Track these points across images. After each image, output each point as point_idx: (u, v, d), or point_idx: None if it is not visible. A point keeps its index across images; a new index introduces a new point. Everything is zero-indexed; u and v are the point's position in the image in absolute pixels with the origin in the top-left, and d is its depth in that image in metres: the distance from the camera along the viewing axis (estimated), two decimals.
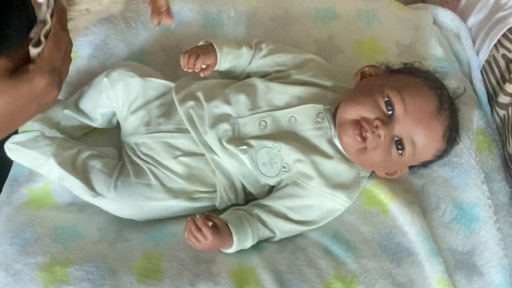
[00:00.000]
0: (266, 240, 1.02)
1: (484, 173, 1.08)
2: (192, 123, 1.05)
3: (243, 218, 0.99)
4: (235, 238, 0.97)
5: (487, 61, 1.24)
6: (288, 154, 1.01)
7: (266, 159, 1.01)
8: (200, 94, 1.07)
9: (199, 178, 1.04)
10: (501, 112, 1.16)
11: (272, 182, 1.04)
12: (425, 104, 1.00)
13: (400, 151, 1.00)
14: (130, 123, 1.08)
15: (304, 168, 1.01)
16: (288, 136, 1.03)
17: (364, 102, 1.00)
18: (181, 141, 1.04)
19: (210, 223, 0.96)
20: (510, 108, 1.13)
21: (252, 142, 1.02)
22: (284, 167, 1.02)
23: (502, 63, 1.19)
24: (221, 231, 0.96)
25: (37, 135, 1.01)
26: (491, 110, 1.20)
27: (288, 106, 1.04)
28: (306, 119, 1.03)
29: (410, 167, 1.07)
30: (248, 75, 1.14)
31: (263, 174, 1.02)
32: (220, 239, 0.96)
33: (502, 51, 1.19)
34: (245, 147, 1.01)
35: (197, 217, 0.95)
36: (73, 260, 0.96)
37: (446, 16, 1.33)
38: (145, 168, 1.04)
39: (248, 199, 1.06)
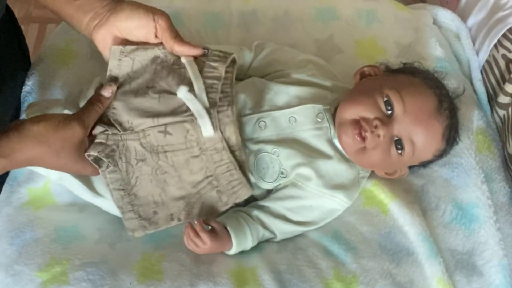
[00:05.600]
0: (266, 241, 1.02)
1: (484, 173, 1.08)
2: None
3: (242, 220, 0.99)
4: (234, 241, 0.97)
5: (487, 61, 1.24)
6: (287, 159, 1.01)
7: (265, 164, 1.01)
8: None
9: None
10: (501, 112, 1.16)
11: (270, 186, 1.03)
12: (425, 103, 1.00)
13: (399, 151, 1.00)
14: None
15: (303, 170, 1.01)
16: (287, 138, 1.03)
17: (363, 102, 1.00)
18: None
19: (209, 227, 0.96)
20: (510, 108, 1.13)
21: (252, 146, 1.02)
22: (282, 172, 1.02)
23: (502, 63, 1.19)
24: (220, 235, 0.96)
25: None
26: (491, 110, 1.20)
27: (288, 106, 1.04)
28: (305, 119, 1.03)
29: (410, 167, 1.07)
30: (249, 76, 1.14)
31: (261, 179, 1.02)
32: (219, 243, 0.96)
33: (502, 51, 1.19)
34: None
35: (195, 222, 0.95)
36: (73, 260, 0.96)
37: (446, 16, 1.33)
38: None
39: (248, 200, 1.06)
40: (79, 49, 1.20)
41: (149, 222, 0.95)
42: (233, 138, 0.95)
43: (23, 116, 1.11)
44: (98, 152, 0.93)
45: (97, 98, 0.94)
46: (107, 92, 0.95)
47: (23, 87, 1.16)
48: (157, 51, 0.98)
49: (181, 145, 0.95)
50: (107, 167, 0.94)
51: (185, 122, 0.94)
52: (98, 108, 0.93)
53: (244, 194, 0.96)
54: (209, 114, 0.93)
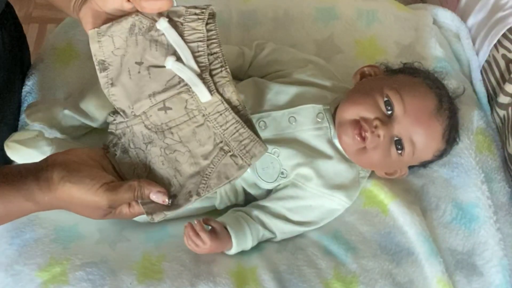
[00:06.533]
0: (266, 240, 1.02)
1: (484, 173, 1.08)
2: None
3: (242, 220, 0.99)
4: (234, 240, 0.97)
5: (487, 61, 1.24)
6: (287, 159, 1.01)
7: (265, 164, 1.01)
8: None
9: None
10: (501, 112, 1.16)
11: (270, 186, 1.03)
12: (425, 104, 1.00)
13: (399, 151, 1.00)
14: None
15: (303, 170, 1.01)
16: (287, 138, 1.03)
17: (363, 102, 1.00)
18: None
19: (209, 227, 0.96)
20: (510, 108, 1.13)
21: None
22: (282, 172, 1.02)
23: (502, 63, 1.19)
24: (220, 234, 0.96)
25: (37, 134, 1.01)
26: (491, 110, 1.20)
27: (288, 106, 1.04)
28: (305, 119, 1.03)
29: (410, 167, 1.07)
30: (249, 76, 1.14)
31: (261, 179, 1.02)
32: (219, 243, 0.96)
33: (502, 51, 1.19)
34: None
35: (195, 222, 0.95)
36: (73, 260, 0.96)
37: (446, 16, 1.33)
38: None
39: (248, 199, 1.06)
40: (79, 49, 1.21)
41: (167, 205, 0.92)
42: (234, 98, 0.93)
43: (23, 116, 1.11)
44: (108, 142, 0.94)
45: (143, 190, 0.89)
46: (156, 197, 0.89)
47: (23, 87, 1.16)
48: (131, 20, 0.94)
49: (184, 117, 0.93)
50: (114, 155, 0.94)
51: (181, 93, 0.92)
52: (136, 196, 0.88)
53: (258, 152, 0.91)
54: (202, 79, 0.91)
